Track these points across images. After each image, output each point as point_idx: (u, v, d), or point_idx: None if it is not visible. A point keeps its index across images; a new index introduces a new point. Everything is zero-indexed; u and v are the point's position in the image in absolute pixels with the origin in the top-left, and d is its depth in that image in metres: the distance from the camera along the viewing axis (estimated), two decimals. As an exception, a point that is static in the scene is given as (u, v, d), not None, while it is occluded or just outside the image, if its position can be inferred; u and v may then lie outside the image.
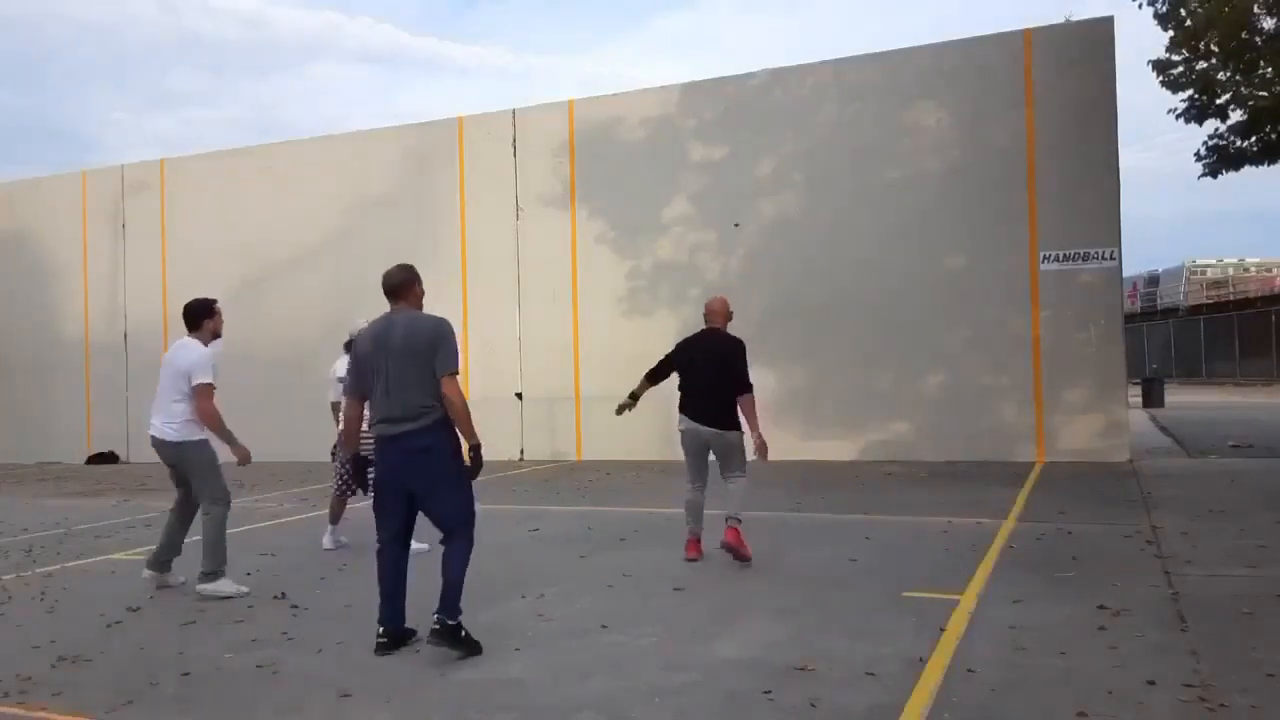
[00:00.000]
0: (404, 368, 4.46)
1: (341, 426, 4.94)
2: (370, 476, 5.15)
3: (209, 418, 5.89)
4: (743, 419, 6.38)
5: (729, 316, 6.70)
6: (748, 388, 6.37)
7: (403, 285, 4.67)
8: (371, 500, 4.83)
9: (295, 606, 5.53)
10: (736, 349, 6.45)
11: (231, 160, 16.64)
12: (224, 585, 5.86)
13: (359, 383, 4.64)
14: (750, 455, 6.41)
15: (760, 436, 6.33)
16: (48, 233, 17.69)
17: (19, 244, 17.87)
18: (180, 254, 16.59)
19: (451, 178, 14.96)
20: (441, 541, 4.71)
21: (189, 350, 6.02)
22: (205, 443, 5.97)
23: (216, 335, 6.25)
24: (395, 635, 4.64)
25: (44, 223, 17.74)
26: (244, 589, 5.88)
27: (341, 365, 7.29)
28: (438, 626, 4.42)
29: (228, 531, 6.02)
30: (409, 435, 4.47)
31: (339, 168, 15.67)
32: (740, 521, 6.27)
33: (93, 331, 17.26)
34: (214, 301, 6.35)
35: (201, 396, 5.87)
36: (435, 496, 4.59)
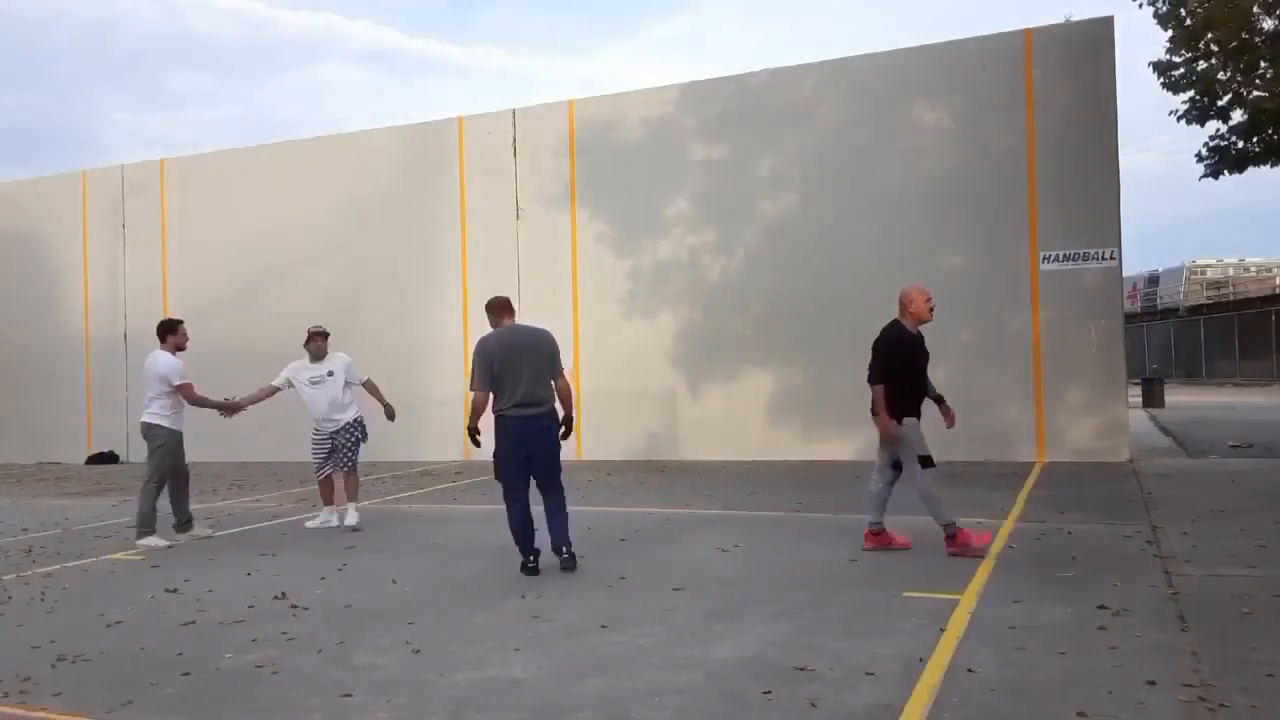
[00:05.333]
0: (534, 367, 6.17)
1: (473, 410, 6.26)
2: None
3: (195, 402, 7.86)
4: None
5: (905, 309, 6.82)
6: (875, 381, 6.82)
7: (510, 305, 6.49)
8: (507, 474, 6.22)
9: (295, 606, 5.53)
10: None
11: (231, 160, 16.64)
12: (152, 541, 7.71)
13: (489, 378, 6.10)
14: None
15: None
16: (48, 233, 17.69)
17: (19, 244, 17.87)
18: (180, 254, 16.59)
19: (451, 178, 14.96)
20: (544, 492, 6.34)
21: (157, 361, 7.85)
22: (167, 430, 7.80)
23: (180, 349, 7.97)
24: (537, 558, 6.24)
25: (44, 223, 17.73)
26: (165, 543, 7.70)
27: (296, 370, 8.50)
28: (567, 557, 6.25)
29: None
30: (540, 417, 6.19)
31: (339, 168, 15.67)
32: (951, 527, 6.30)
33: (93, 331, 17.25)
34: (179, 322, 8.10)
35: (183, 391, 7.79)
36: (548, 458, 6.25)
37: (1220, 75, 12.66)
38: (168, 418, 7.82)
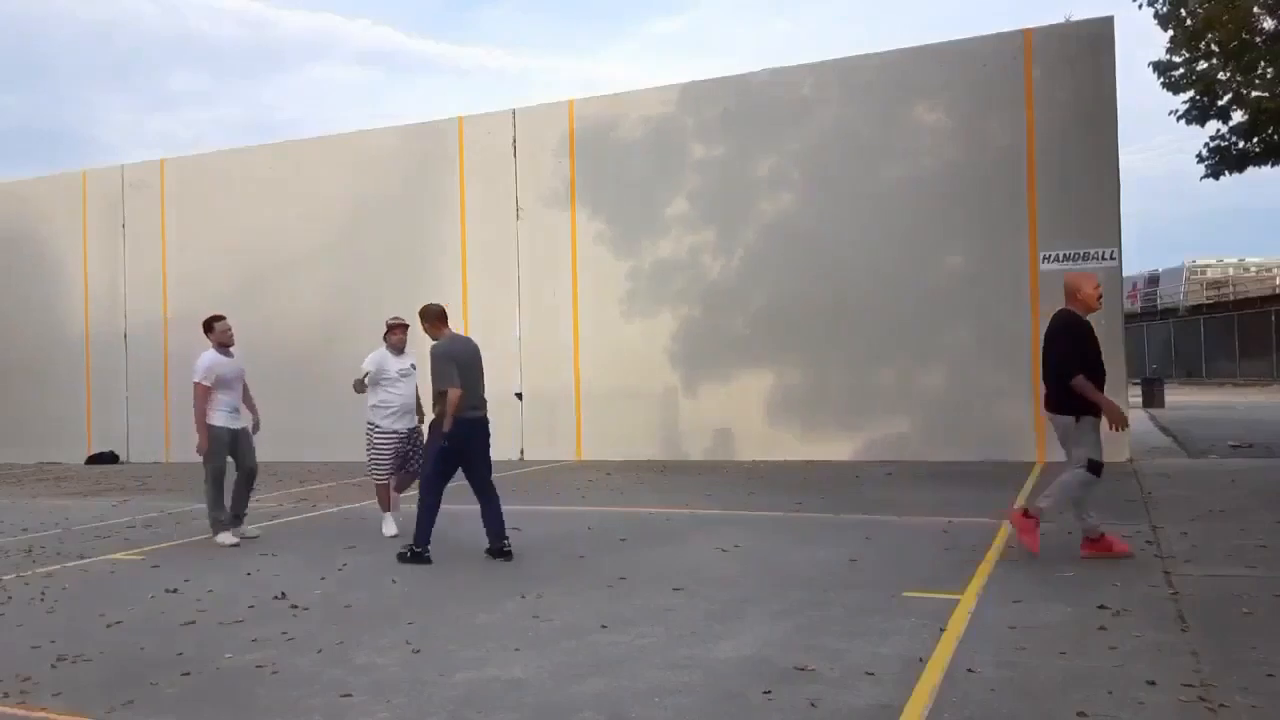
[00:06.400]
0: (480, 373, 6.92)
1: (453, 408, 6.62)
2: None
3: (197, 406, 7.66)
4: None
5: (1073, 295, 6.42)
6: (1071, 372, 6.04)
7: (447, 314, 7.00)
8: (436, 465, 6.81)
9: (295, 606, 5.53)
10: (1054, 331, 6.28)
11: (231, 160, 16.64)
12: (222, 537, 7.73)
13: (456, 377, 6.61)
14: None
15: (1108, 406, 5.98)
16: (48, 233, 17.69)
17: (19, 244, 17.87)
18: (180, 254, 16.59)
19: (451, 178, 14.96)
20: (480, 492, 6.87)
21: (197, 358, 7.78)
22: (209, 428, 7.66)
23: (222, 345, 7.82)
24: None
25: (44, 223, 17.74)
26: (235, 541, 7.69)
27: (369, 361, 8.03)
28: (507, 548, 6.74)
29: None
30: (487, 419, 6.93)
31: (339, 168, 15.67)
32: (1040, 511, 6.06)
33: (93, 331, 17.25)
34: (214, 319, 7.93)
35: (194, 391, 7.66)
36: (486, 458, 6.94)
37: (1220, 75, 12.66)
38: (208, 415, 7.68)
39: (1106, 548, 6.11)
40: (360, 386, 7.87)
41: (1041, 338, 6.72)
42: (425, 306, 7.03)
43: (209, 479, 7.76)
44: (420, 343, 7.28)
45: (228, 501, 7.84)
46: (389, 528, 7.95)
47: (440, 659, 4.43)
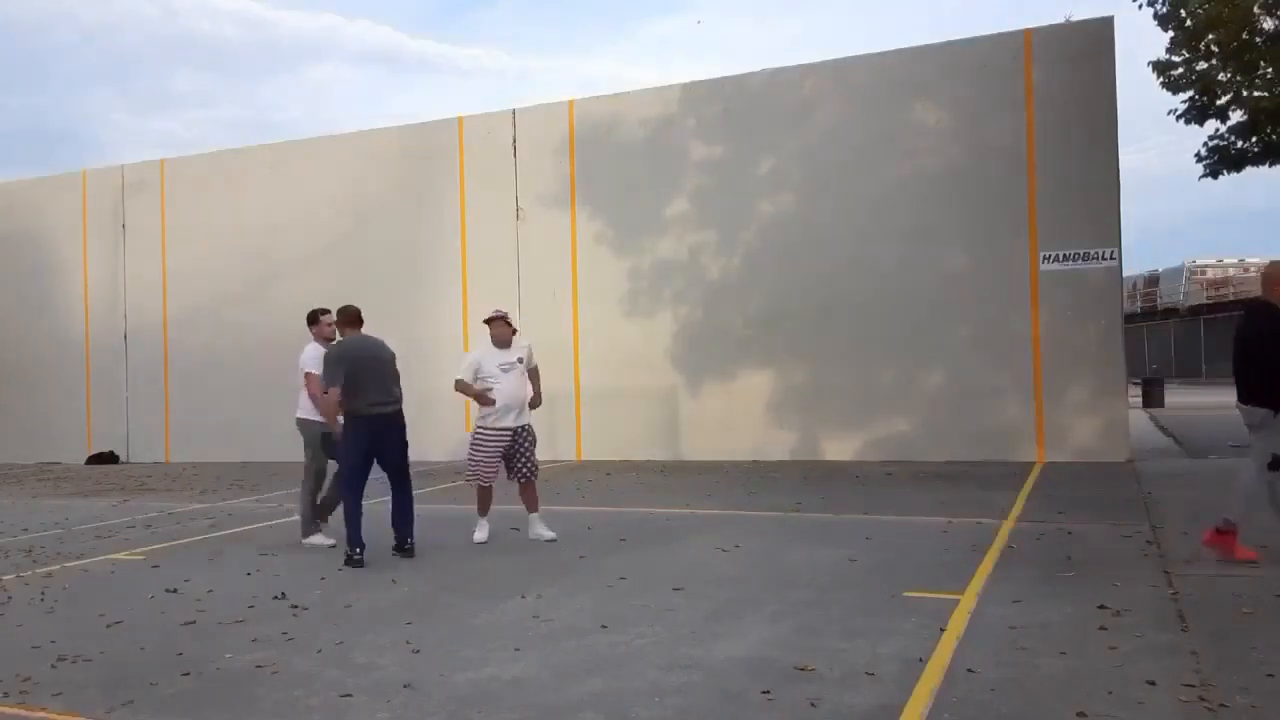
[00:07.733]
0: (389, 370, 7.08)
1: (333, 407, 6.81)
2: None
3: (312, 395, 7.45)
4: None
5: (1271, 287, 6.02)
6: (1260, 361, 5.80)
7: (362, 317, 7.24)
8: (355, 461, 6.91)
9: (295, 606, 5.53)
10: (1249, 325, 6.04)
11: (232, 160, 16.64)
12: (316, 539, 7.48)
13: (341, 377, 6.74)
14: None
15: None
16: (48, 233, 17.69)
17: (19, 244, 17.87)
18: (180, 254, 16.59)
19: (451, 178, 14.96)
20: (393, 485, 7.07)
21: (303, 351, 7.71)
22: (311, 423, 7.52)
23: (325, 339, 7.66)
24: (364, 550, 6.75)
25: (44, 223, 17.73)
26: (331, 541, 7.38)
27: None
28: (410, 548, 6.94)
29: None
30: (399, 413, 7.06)
31: (339, 168, 15.67)
32: (1227, 525, 5.81)
33: (93, 331, 17.25)
34: (319, 313, 7.95)
35: (307, 382, 7.53)
36: (401, 451, 7.09)
37: (1220, 75, 12.66)
38: (313, 411, 7.43)
39: (1229, 549, 5.83)
40: (467, 389, 7.34)
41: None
42: (342, 307, 7.29)
43: (309, 476, 7.57)
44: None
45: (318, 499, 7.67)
46: (480, 534, 7.45)
47: (440, 659, 4.43)
